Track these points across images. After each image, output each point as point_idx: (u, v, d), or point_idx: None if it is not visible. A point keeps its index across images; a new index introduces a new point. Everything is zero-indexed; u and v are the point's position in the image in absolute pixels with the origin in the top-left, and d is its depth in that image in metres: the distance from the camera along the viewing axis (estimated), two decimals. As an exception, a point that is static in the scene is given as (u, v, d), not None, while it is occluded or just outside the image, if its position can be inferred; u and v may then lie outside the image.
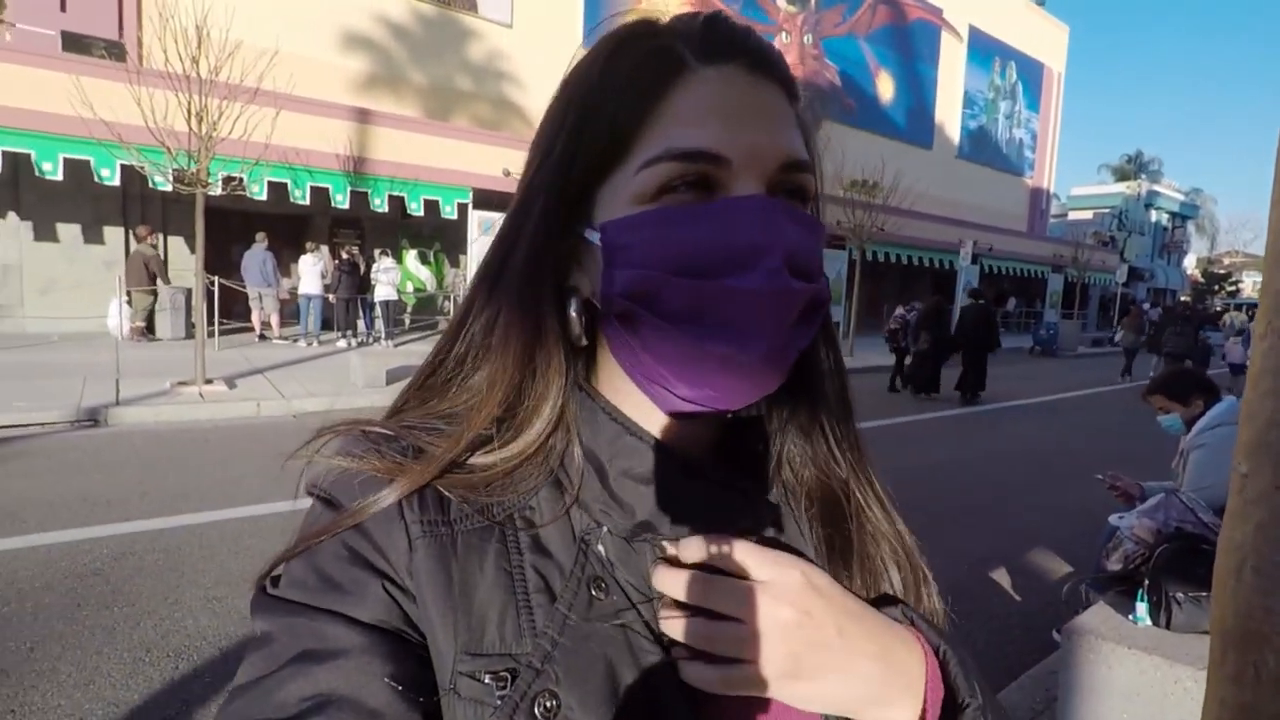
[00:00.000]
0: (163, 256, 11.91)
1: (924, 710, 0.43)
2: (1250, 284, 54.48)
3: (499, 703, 0.40)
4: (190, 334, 9.78)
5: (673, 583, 0.44)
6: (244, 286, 11.56)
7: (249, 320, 11.88)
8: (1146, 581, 2.66)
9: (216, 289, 10.33)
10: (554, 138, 0.48)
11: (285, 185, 11.10)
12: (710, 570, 0.43)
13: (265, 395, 7.66)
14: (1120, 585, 2.87)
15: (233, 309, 11.74)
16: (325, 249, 13.56)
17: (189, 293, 10.70)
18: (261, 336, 11.86)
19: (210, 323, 9.75)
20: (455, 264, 15.22)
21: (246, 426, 6.77)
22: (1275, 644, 0.44)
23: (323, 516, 0.45)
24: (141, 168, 7.81)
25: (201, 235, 7.59)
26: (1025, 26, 28.09)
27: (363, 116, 12.03)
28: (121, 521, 4.11)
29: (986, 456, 7.47)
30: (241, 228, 13.12)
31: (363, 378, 8.56)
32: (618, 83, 0.45)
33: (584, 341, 0.48)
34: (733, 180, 0.44)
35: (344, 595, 0.41)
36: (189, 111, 7.10)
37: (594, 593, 0.44)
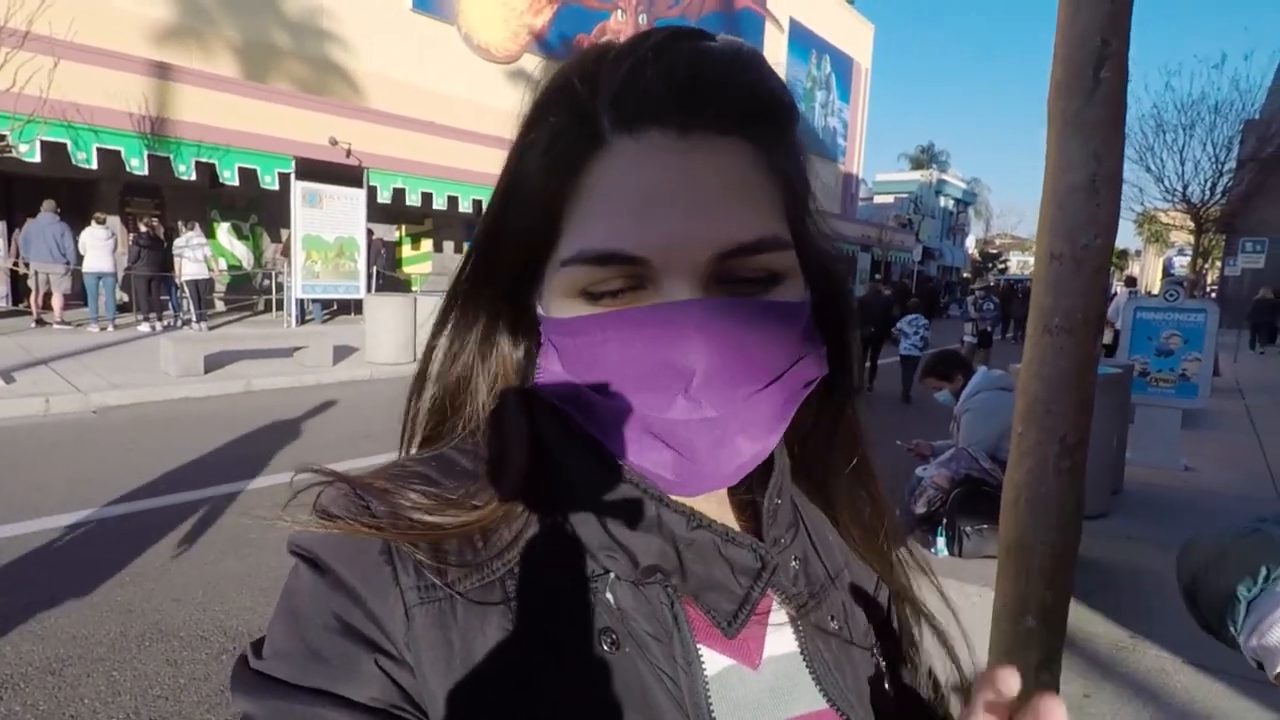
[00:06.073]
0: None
1: None
2: (1016, 262, 63.61)
3: None
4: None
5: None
6: (21, 264, 9.94)
7: (21, 303, 10.25)
8: (944, 519, 3.21)
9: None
10: (494, 203, 0.45)
11: (65, 146, 9.63)
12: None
13: (55, 389, 6.73)
14: (925, 524, 3.43)
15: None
16: (117, 220, 11.97)
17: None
18: (39, 321, 10.30)
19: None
20: (276, 239, 14.01)
21: (35, 427, 5.93)
22: (1040, 552, 0.62)
23: (308, 578, 0.40)
24: None
25: (-39, 204, 6.46)
26: (837, 22, 30.36)
27: (163, 72, 10.67)
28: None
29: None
30: (3, 194, 11.25)
31: (176, 366, 7.75)
32: (535, 159, 0.42)
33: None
34: (661, 277, 0.39)
35: (334, 671, 0.37)
36: (-63, 57, 6.01)
37: (604, 646, 0.41)
